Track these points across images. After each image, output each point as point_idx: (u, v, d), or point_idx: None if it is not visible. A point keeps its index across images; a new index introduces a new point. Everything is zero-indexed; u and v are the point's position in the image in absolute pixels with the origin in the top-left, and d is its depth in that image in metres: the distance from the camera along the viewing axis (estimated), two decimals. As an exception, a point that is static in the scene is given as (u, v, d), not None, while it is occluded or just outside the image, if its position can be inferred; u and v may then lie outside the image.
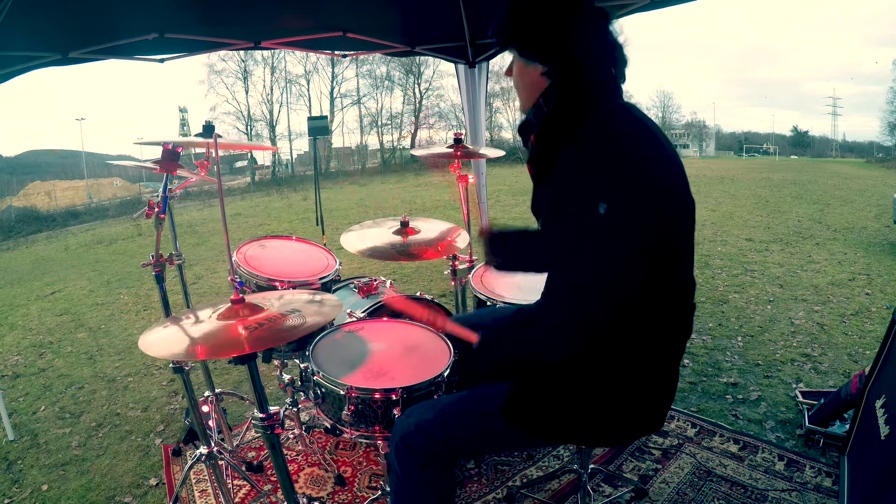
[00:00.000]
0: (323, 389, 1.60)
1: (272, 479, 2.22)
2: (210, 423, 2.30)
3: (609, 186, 1.08)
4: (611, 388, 1.20)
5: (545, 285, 1.41)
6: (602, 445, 1.60)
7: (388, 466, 1.42)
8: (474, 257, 2.48)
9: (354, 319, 2.00)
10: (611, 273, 1.10)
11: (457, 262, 2.43)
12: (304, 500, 1.57)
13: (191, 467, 2.03)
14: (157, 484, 2.28)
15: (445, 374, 1.60)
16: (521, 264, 1.36)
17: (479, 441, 1.33)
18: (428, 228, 2.28)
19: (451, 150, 2.39)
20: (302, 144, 31.81)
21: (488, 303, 2.20)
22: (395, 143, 30.92)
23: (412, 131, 30.42)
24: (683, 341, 1.27)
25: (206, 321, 1.29)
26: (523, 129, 1.33)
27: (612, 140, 1.12)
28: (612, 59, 1.22)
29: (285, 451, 2.30)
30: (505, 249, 1.29)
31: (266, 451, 2.36)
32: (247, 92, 28.62)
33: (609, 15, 1.23)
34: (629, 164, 1.10)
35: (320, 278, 2.14)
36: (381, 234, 2.20)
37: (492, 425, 1.28)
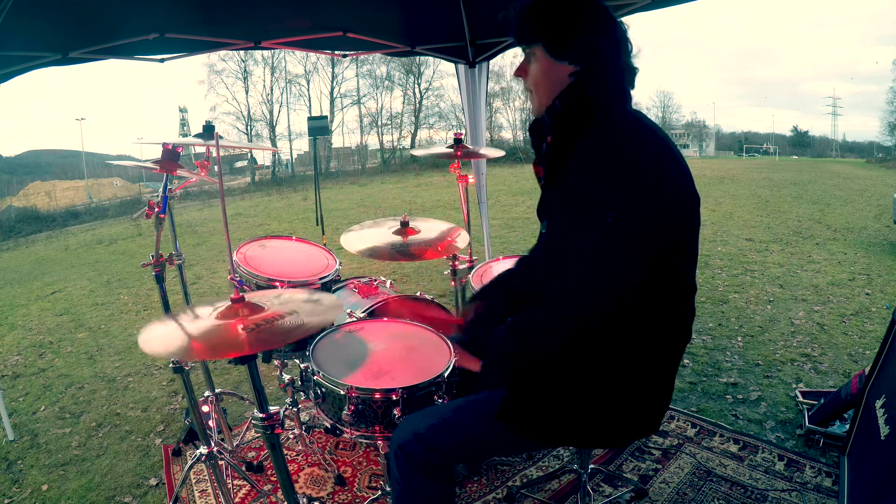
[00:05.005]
0: (323, 389, 1.60)
1: (272, 479, 2.22)
2: (210, 423, 2.30)
3: (620, 190, 1.08)
4: (609, 390, 1.20)
5: (543, 288, 1.40)
6: (598, 447, 1.61)
7: (387, 469, 1.42)
8: (474, 257, 2.48)
9: (354, 319, 2.00)
10: (616, 276, 1.09)
11: (457, 262, 2.43)
12: (304, 500, 1.56)
13: (191, 467, 2.03)
14: (157, 484, 2.28)
15: (446, 374, 1.60)
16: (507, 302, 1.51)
17: (476, 447, 1.33)
18: (428, 228, 2.28)
19: (451, 150, 2.39)
20: (302, 144, 31.85)
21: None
22: (395, 143, 30.94)
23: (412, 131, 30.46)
24: (682, 346, 1.27)
25: (206, 319, 1.29)
26: (535, 128, 1.32)
27: (625, 144, 1.13)
28: (627, 67, 1.24)
29: (285, 451, 2.30)
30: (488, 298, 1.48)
31: (266, 451, 2.36)
32: (247, 92, 28.64)
33: (624, 26, 1.24)
34: (641, 168, 1.10)
35: (320, 278, 2.14)
36: (381, 234, 2.19)
37: (489, 430, 1.28)
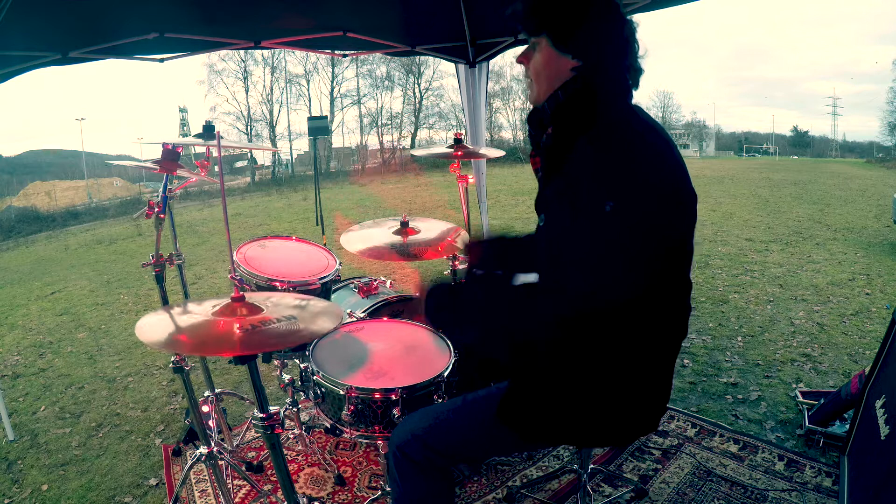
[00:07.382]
0: (323, 389, 1.60)
1: (272, 479, 2.22)
2: (210, 423, 2.30)
3: (620, 183, 1.08)
4: (607, 388, 1.20)
5: (538, 285, 1.39)
6: (598, 446, 1.61)
7: (387, 469, 1.42)
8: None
9: (354, 319, 2.00)
10: (614, 272, 1.09)
11: (457, 262, 2.43)
12: (304, 500, 1.57)
13: (191, 467, 2.03)
14: (157, 484, 2.28)
15: (445, 374, 1.60)
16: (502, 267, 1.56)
17: (474, 446, 1.33)
18: (428, 228, 2.28)
19: (451, 150, 2.38)
20: (302, 144, 31.80)
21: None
22: (395, 143, 30.92)
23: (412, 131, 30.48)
24: (679, 342, 1.27)
25: (203, 315, 1.29)
26: (534, 118, 1.31)
27: (626, 138, 1.13)
28: (632, 66, 1.23)
29: (285, 451, 2.30)
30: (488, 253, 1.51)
31: (266, 451, 2.36)
32: (247, 92, 28.59)
33: (634, 25, 1.23)
34: (640, 162, 1.10)
35: (320, 278, 2.13)
36: (381, 234, 2.19)
37: (487, 430, 1.28)
